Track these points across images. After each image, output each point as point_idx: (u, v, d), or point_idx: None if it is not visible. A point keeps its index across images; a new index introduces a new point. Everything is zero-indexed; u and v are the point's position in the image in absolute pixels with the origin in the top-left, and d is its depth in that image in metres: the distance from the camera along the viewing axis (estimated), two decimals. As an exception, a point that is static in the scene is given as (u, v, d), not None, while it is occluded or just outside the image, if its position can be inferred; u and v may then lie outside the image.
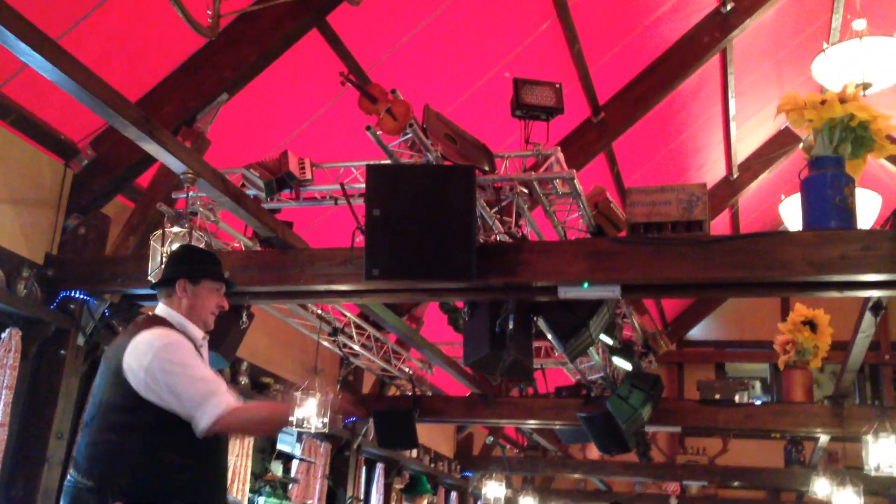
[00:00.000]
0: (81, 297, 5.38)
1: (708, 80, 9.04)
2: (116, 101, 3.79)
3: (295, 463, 8.40)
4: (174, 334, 2.91)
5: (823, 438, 9.28)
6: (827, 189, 4.15)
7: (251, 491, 7.37)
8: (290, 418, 3.23)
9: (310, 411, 6.42)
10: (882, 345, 13.44)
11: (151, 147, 4.10)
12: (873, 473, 7.30)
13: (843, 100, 4.22)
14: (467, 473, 13.31)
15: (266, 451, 7.89)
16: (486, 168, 4.89)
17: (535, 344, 7.04)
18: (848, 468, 10.16)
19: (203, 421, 2.78)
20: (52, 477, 5.11)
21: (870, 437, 7.20)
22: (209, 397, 2.79)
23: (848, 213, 4.13)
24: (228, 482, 6.55)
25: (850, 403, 8.16)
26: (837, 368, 8.68)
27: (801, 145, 4.73)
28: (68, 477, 2.85)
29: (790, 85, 9.27)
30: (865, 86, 5.63)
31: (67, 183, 5.49)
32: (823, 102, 4.24)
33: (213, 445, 2.91)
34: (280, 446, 8.01)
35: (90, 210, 5.54)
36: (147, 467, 2.75)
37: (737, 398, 8.40)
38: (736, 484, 13.92)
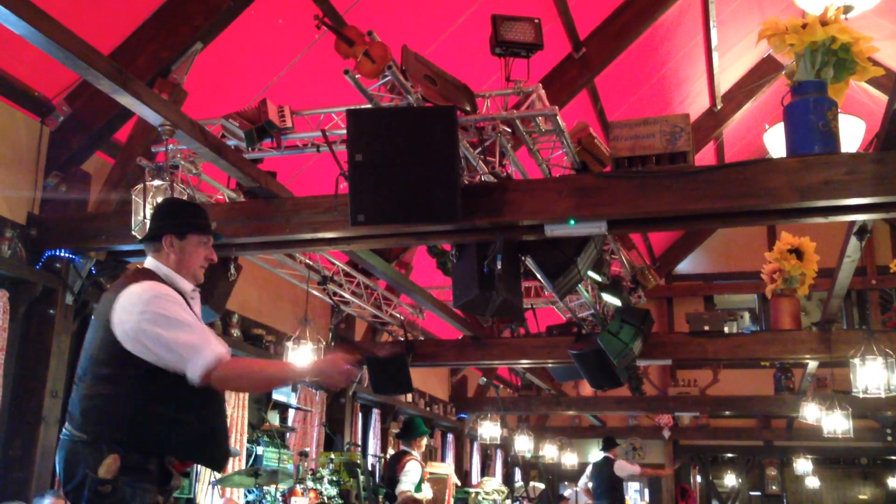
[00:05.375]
0: (67, 255, 5.35)
1: (689, 9, 8.94)
2: (88, 54, 3.72)
3: (291, 412, 8.48)
4: (162, 287, 2.87)
5: (812, 364, 9.41)
6: (810, 114, 4.13)
7: (249, 441, 7.44)
8: (298, 377, 3.15)
9: (303, 360, 6.45)
10: (868, 270, 13.57)
11: (126, 99, 4.03)
12: (861, 396, 7.42)
13: (824, 23, 4.18)
14: (463, 415, 13.48)
15: (262, 401, 7.95)
16: (468, 108, 4.84)
17: (525, 284, 7.07)
18: (836, 392, 10.34)
19: (194, 373, 2.74)
20: (50, 435, 5.14)
21: (857, 361, 7.31)
22: (199, 349, 2.74)
23: (831, 137, 4.13)
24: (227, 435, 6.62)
25: (838, 328, 8.25)
26: (824, 296, 8.76)
27: (783, 72, 4.70)
28: (63, 430, 2.85)
29: (771, 11, 9.18)
30: (847, 9, 5.56)
31: (45, 141, 5.42)
32: (805, 26, 4.20)
33: (207, 398, 2.88)
34: (276, 396, 8.08)
35: (69, 167, 5.48)
36: (139, 420, 2.74)
37: (726, 329, 8.49)
38: (727, 413, 14.19)
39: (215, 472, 6.66)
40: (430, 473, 8.57)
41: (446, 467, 9.71)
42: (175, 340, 2.75)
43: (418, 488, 7.65)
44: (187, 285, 3.01)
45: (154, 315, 2.76)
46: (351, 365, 2.90)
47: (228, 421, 6.96)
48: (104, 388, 2.78)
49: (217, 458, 3.06)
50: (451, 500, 8.96)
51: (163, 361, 2.76)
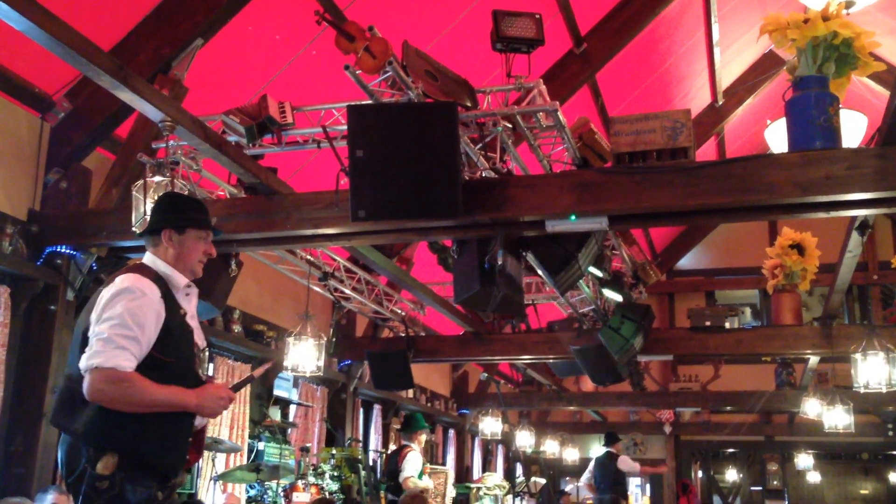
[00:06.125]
0: (68, 251, 5.35)
1: (690, 5, 8.92)
2: (88, 50, 3.72)
3: (293, 408, 8.48)
4: (138, 281, 2.81)
5: (813, 360, 9.40)
6: (811, 109, 4.12)
7: (250, 437, 7.45)
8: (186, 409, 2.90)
9: (304, 356, 6.46)
10: (869, 265, 13.56)
11: (127, 95, 4.03)
12: (863, 391, 7.42)
13: (826, 18, 4.17)
14: (464, 411, 13.49)
15: (263, 396, 7.95)
16: (469, 104, 4.83)
17: (526, 279, 7.07)
18: (838, 387, 10.33)
19: (88, 359, 2.67)
20: (51, 431, 5.13)
21: (858, 356, 7.30)
22: (104, 347, 2.67)
23: (833, 132, 4.11)
24: (214, 432, 6.61)
25: (839, 324, 8.24)
26: (826, 291, 8.76)
27: (785, 67, 4.69)
28: None
29: (773, 6, 9.17)
30: (848, 3, 5.54)
31: (45, 137, 5.42)
32: (806, 21, 4.19)
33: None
34: (277, 392, 8.08)
35: (70, 163, 5.49)
36: (113, 423, 2.71)
37: (727, 324, 8.49)
38: (728, 408, 14.18)
39: (215, 469, 6.68)
40: (431, 468, 8.60)
41: (445, 469, 9.78)
42: (102, 327, 2.71)
43: (420, 477, 7.68)
44: (181, 280, 2.99)
45: (111, 304, 2.75)
46: (229, 391, 2.97)
47: (230, 417, 7.00)
48: (80, 387, 2.74)
49: (176, 465, 2.94)
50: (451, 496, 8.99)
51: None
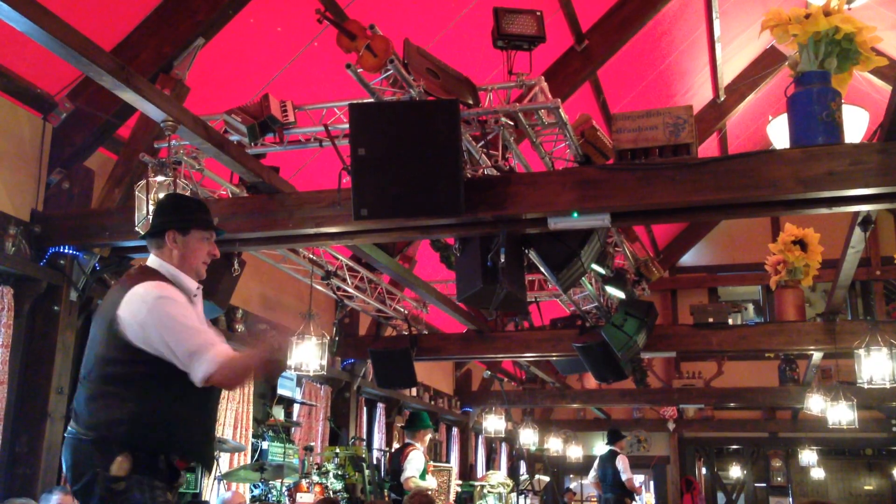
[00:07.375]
0: (70, 252, 5.36)
1: (691, 0, 8.91)
2: (90, 50, 3.72)
3: (296, 407, 8.48)
4: (167, 287, 2.86)
5: (816, 356, 9.39)
6: (813, 105, 4.12)
7: (254, 436, 7.45)
8: (280, 355, 3.07)
9: (307, 355, 6.47)
10: (872, 260, 13.52)
11: (129, 95, 4.04)
12: (866, 387, 7.41)
13: (827, 13, 4.17)
14: (467, 409, 13.49)
15: (267, 396, 7.96)
16: (470, 102, 4.83)
17: (529, 277, 7.07)
18: (841, 383, 10.31)
19: (199, 372, 2.72)
20: (55, 431, 5.15)
21: (862, 351, 7.29)
22: (204, 349, 2.73)
23: (835, 128, 4.11)
24: (218, 432, 6.63)
25: (842, 319, 8.23)
26: (829, 287, 8.75)
27: (786, 63, 4.68)
28: (69, 429, 2.85)
29: (774, 2, 9.14)
30: (850, -1, 5.54)
31: (47, 137, 5.43)
32: (808, 16, 4.19)
33: (207, 396, 2.91)
34: (281, 391, 8.09)
35: (72, 163, 5.49)
36: (145, 418, 2.74)
37: (730, 321, 8.48)
38: (732, 405, 14.18)
39: (219, 468, 6.68)
40: (434, 465, 8.60)
41: (449, 466, 9.78)
42: (181, 341, 2.75)
43: (422, 476, 7.68)
44: (192, 284, 3.00)
45: (160, 315, 2.76)
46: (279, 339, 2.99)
47: (233, 416, 7.00)
48: (111, 387, 2.77)
49: (210, 456, 3.08)
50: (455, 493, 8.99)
51: (169, 360, 2.78)
